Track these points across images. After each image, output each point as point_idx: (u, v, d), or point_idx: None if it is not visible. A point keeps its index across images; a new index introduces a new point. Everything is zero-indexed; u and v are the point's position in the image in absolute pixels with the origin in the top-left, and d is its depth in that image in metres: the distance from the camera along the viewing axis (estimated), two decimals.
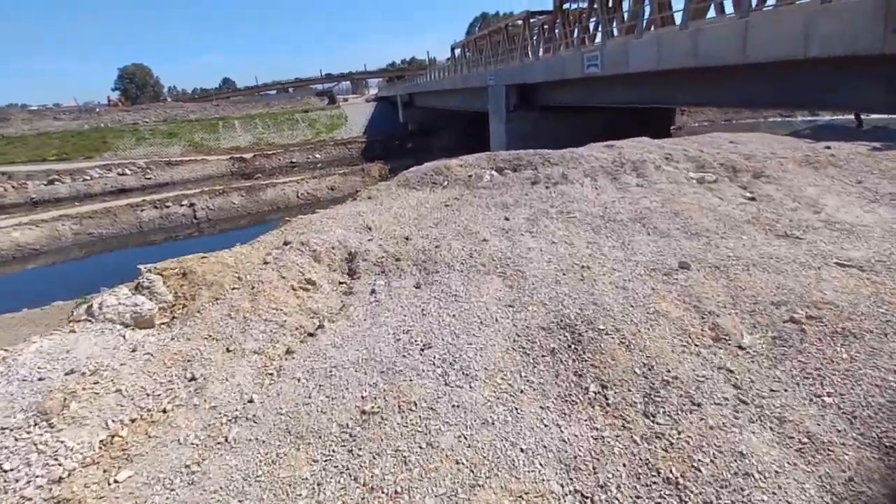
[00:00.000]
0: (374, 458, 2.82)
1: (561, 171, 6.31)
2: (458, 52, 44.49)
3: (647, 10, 21.13)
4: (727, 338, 3.32)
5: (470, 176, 7.06)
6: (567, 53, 20.40)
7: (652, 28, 19.47)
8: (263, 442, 3.06)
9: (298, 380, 3.61)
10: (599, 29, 27.94)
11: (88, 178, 31.32)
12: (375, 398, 3.25)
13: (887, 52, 8.92)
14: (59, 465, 3.13)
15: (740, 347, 3.23)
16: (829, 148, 6.92)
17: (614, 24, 21.59)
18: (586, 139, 25.03)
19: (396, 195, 6.94)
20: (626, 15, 23.55)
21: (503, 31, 37.75)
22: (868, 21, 9.02)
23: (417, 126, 45.83)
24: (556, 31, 27.66)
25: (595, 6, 25.71)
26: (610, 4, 29.45)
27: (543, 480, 2.54)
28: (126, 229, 23.15)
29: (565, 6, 29.43)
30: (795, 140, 7.78)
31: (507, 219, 5.37)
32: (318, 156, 40.51)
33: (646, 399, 2.93)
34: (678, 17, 16.65)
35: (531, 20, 34.24)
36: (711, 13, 19.38)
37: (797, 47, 10.60)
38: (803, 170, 6.09)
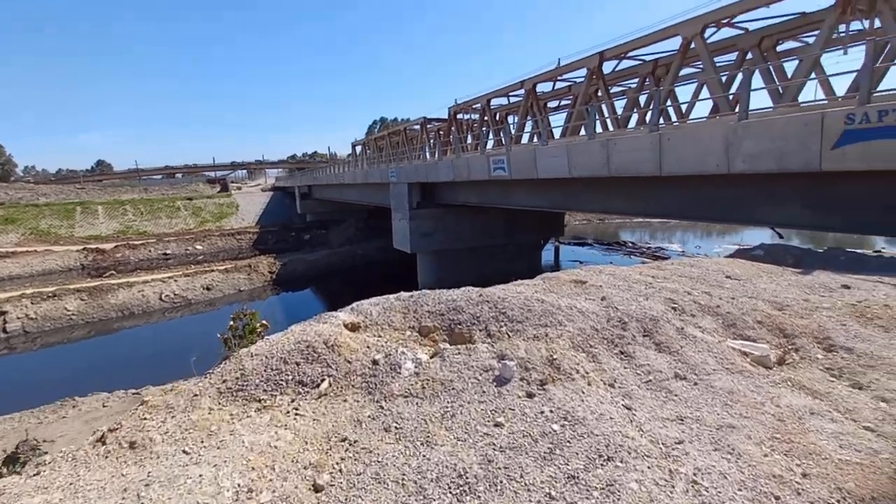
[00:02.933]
0: None
1: (537, 347, 3.50)
2: (359, 149, 43.24)
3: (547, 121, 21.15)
4: None
5: (375, 363, 3.43)
6: (472, 155, 19.15)
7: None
8: None
9: None
10: (490, 137, 28.34)
11: None
12: None
13: (825, 168, 8.05)
14: None
15: None
16: (847, 287, 5.13)
17: (507, 133, 21.10)
18: (489, 237, 23.54)
19: (203, 435, 2.76)
20: (512, 128, 23.69)
21: (402, 133, 37.50)
22: (802, 138, 8.17)
23: (316, 217, 42.34)
24: (451, 136, 27.42)
25: (485, 118, 25.86)
26: (497, 117, 30.48)
27: None
28: None
29: (458, 116, 29.77)
30: (796, 274, 5.94)
31: None
32: (199, 247, 34.57)
33: None
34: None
35: (427, 125, 34.39)
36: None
37: (719, 162, 9.66)
38: (872, 332, 4.01)
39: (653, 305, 4.37)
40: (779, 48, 15.91)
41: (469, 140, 32.33)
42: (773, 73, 15.14)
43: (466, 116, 31.68)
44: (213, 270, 24.84)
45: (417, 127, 35.74)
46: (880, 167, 7.34)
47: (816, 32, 13.53)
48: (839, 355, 3.68)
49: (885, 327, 4.14)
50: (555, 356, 3.33)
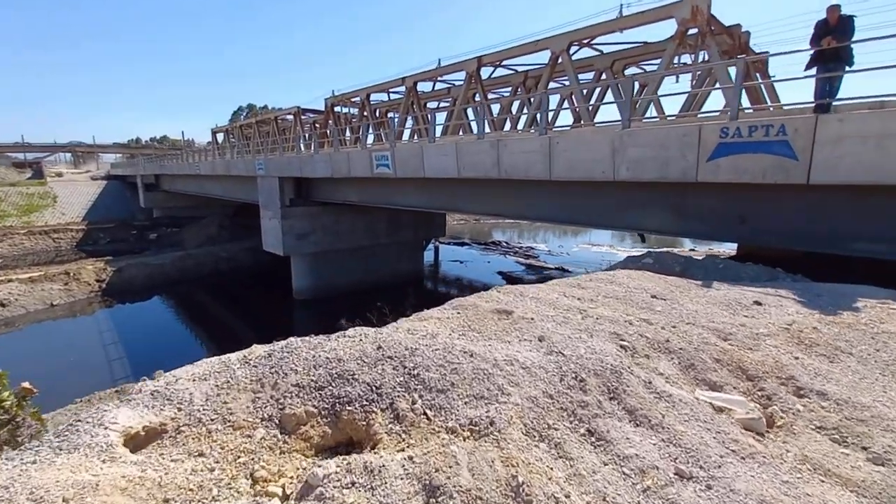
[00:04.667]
0: None
1: (484, 453, 2.11)
2: (220, 136, 37.53)
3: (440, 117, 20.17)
4: None
5: None
6: (353, 150, 17.18)
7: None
8: None
9: None
10: (370, 132, 26.50)
11: None
12: None
13: (700, 180, 8.16)
14: None
15: None
16: (759, 304, 4.79)
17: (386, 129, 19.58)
18: (371, 236, 21.74)
19: None
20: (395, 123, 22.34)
21: (273, 122, 33.49)
22: (682, 148, 8.19)
23: (166, 213, 35.56)
24: (329, 129, 25.02)
25: (365, 113, 24.01)
26: (377, 113, 28.73)
27: None
28: None
29: (336, 109, 27.37)
30: (702, 288, 5.50)
31: None
32: None
33: None
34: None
35: (302, 116, 31.14)
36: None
37: (605, 169, 9.46)
38: (823, 364, 3.49)
39: (602, 346, 3.29)
40: (626, 72, 17.17)
41: (348, 134, 30.02)
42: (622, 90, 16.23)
43: (345, 110, 29.28)
44: (10, 280, 18.67)
45: (290, 117, 32.07)
46: (748, 180, 7.56)
47: (657, 60, 14.76)
48: (817, 403, 2.99)
49: (828, 356, 3.65)
50: (517, 474, 1.95)
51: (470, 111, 22.48)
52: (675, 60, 13.47)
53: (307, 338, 3.28)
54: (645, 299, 4.62)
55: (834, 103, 7.11)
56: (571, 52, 14.57)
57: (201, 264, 25.00)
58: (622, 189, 9.83)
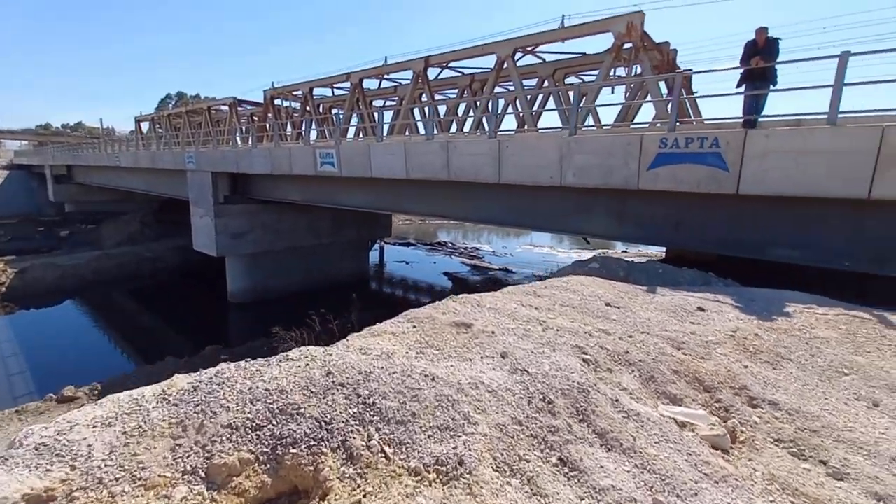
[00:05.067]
0: None
1: (438, 497, 1.86)
2: (145, 125, 34.35)
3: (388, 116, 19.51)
4: None
5: None
6: (296, 146, 16.24)
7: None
8: None
9: None
10: (313, 127, 25.30)
11: None
12: None
13: (641, 187, 8.42)
14: None
15: None
16: (703, 310, 4.92)
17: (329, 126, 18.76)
18: (314, 235, 20.72)
19: None
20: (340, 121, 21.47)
21: (206, 113, 31.20)
22: (625, 157, 8.41)
23: (80, 208, 31.91)
24: (269, 123, 23.63)
25: (308, 108, 22.93)
26: (321, 109, 27.58)
27: None
28: None
29: (277, 102, 25.92)
30: (648, 294, 5.58)
31: None
32: None
33: None
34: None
35: (239, 107, 29.25)
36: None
37: (553, 174, 9.55)
38: (770, 373, 3.57)
39: (566, 362, 3.13)
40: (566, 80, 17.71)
41: (290, 129, 28.60)
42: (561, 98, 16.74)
43: (285, 103, 27.79)
44: None
45: (226, 108, 29.97)
46: (684, 189, 7.89)
47: (596, 72, 15.35)
48: (771, 414, 3.02)
49: (772, 363, 3.76)
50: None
51: (417, 112, 22.15)
52: (612, 72, 14.01)
53: (243, 364, 2.83)
54: (600, 307, 4.57)
55: (759, 119, 7.58)
56: (516, 58, 14.72)
57: (122, 265, 22.62)
58: (568, 194, 9.96)
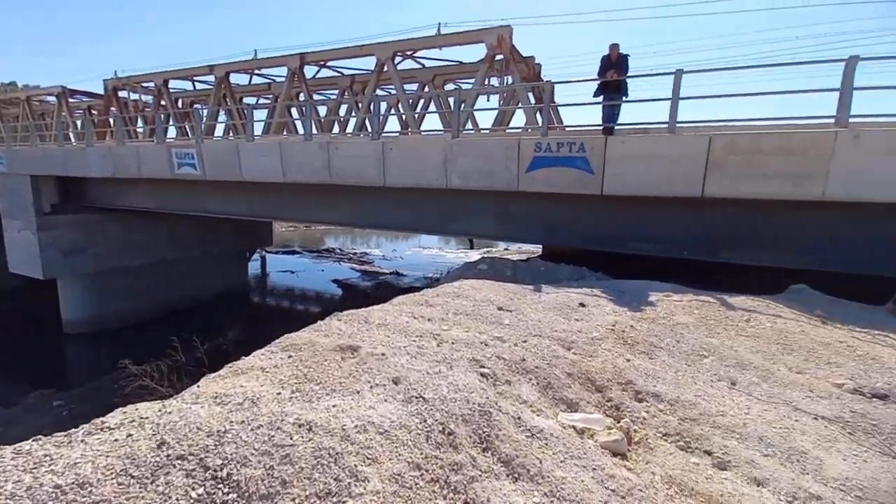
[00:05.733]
0: None
1: None
2: None
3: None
4: None
5: None
6: (146, 145, 13.74)
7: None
8: None
9: None
10: (170, 124, 21.91)
11: None
12: None
13: (521, 189, 8.68)
14: None
15: None
16: (584, 306, 5.09)
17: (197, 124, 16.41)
18: (177, 248, 17.89)
19: None
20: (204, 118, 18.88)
21: (25, 104, 25.35)
22: (506, 160, 8.58)
23: None
24: (112, 118, 19.89)
25: (162, 103, 19.81)
26: (181, 105, 24.06)
27: None
28: None
29: (122, 94, 21.92)
30: (534, 293, 5.62)
31: None
32: None
33: None
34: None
35: (70, 98, 24.23)
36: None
37: (439, 177, 9.41)
38: (649, 363, 3.71)
39: (464, 380, 2.83)
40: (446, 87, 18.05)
41: (142, 126, 24.47)
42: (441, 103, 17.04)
43: (134, 96, 23.66)
44: None
45: (52, 98, 24.50)
46: (557, 191, 8.33)
47: (472, 80, 15.89)
48: (655, 407, 3.09)
49: (647, 353, 3.96)
50: None
51: (295, 111, 20.51)
52: (486, 81, 14.53)
53: (29, 444, 1.96)
54: (493, 312, 4.41)
55: (616, 127, 8.33)
56: (396, 61, 14.43)
57: None
58: (453, 196, 9.92)
